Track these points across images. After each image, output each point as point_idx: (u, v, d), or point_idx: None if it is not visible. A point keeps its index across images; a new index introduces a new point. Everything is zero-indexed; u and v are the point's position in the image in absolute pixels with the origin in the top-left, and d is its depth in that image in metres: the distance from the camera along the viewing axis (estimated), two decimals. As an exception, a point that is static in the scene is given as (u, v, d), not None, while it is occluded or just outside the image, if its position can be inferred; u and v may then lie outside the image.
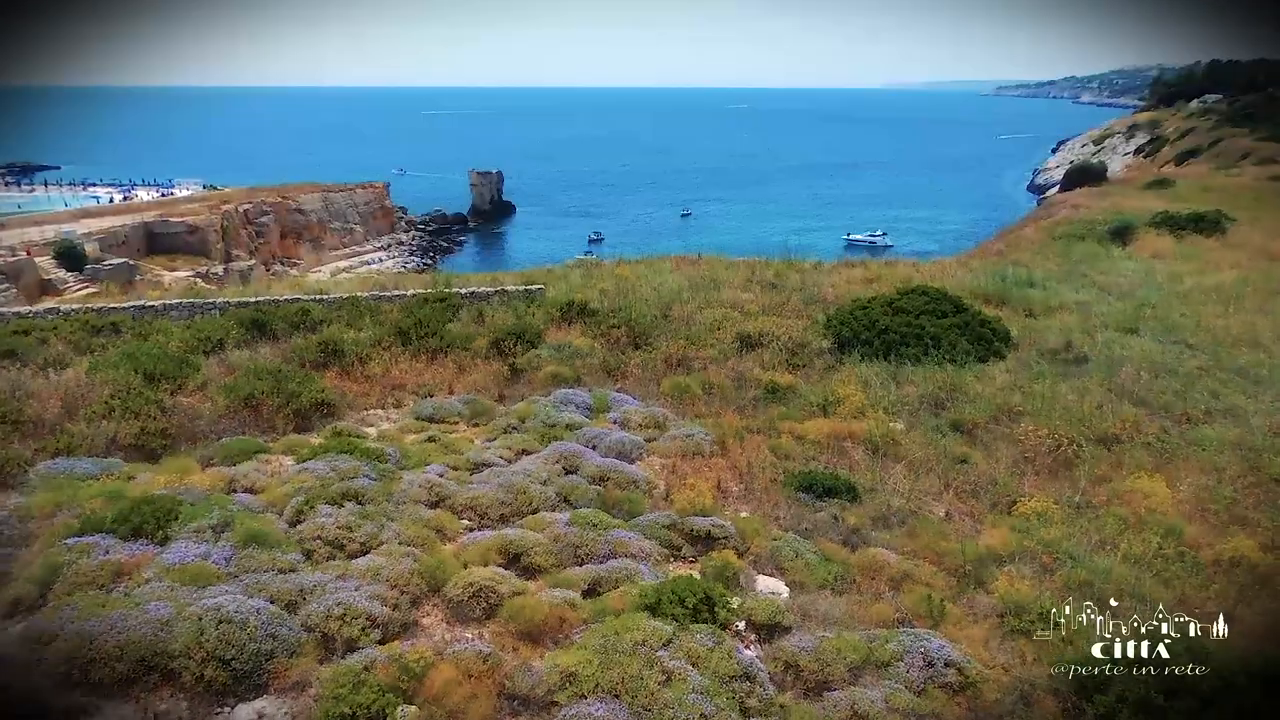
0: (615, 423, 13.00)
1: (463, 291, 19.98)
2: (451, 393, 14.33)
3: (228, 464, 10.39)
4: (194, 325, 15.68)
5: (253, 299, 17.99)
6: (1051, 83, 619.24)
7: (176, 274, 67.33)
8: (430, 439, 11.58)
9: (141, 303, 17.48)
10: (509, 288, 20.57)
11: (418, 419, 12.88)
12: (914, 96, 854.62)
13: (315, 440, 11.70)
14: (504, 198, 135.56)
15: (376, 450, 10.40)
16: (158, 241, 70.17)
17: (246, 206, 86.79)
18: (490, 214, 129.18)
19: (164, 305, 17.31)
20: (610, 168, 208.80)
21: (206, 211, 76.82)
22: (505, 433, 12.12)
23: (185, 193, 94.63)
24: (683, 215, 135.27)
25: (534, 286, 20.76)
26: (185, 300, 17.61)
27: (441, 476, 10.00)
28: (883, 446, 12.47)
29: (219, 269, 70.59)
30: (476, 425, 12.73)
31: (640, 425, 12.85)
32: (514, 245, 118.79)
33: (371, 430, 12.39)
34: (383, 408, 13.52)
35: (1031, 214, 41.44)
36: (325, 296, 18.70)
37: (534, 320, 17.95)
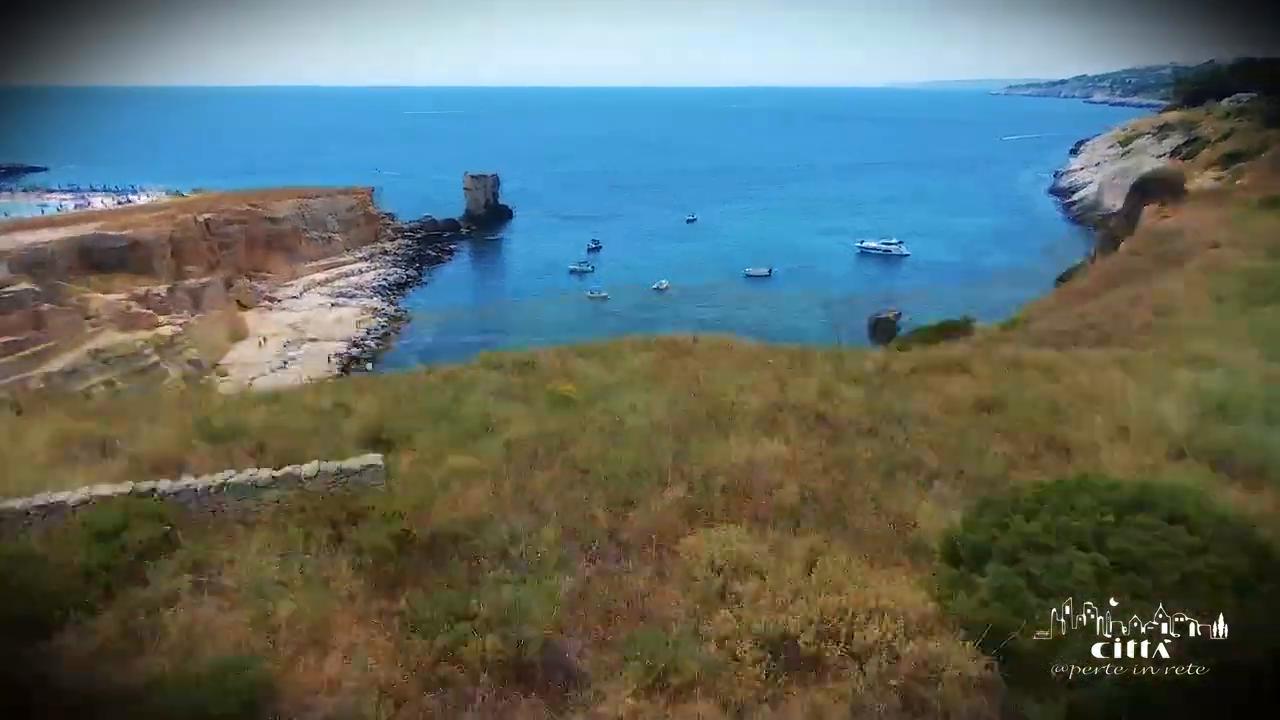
0: None
1: (202, 488, 9.49)
2: None
3: None
4: None
5: None
6: (1063, 82, 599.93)
7: (110, 297, 57.48)
8: None
9: None
10: (310, 472, 9.95)
11: None
12: (921, 95, 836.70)
13: None
14: (500, 201, 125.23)
15: None
16: (94, 258, 60.08)
17: (209, 215, 76.79)
18: (485, 219, 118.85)
19: None
20: (613, 169, 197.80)
21: (156, 223, 66.94)
22: None
23: (148, 199, 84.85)
24: (688, 221, 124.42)
25: (368, 462, 10.20)
26: None
27: None
28: None
29: (162, 289, 60.57)
30: None
31: None
32: (510, 253, 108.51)
33: None
34: None
35: (1143, 244, 30.02)
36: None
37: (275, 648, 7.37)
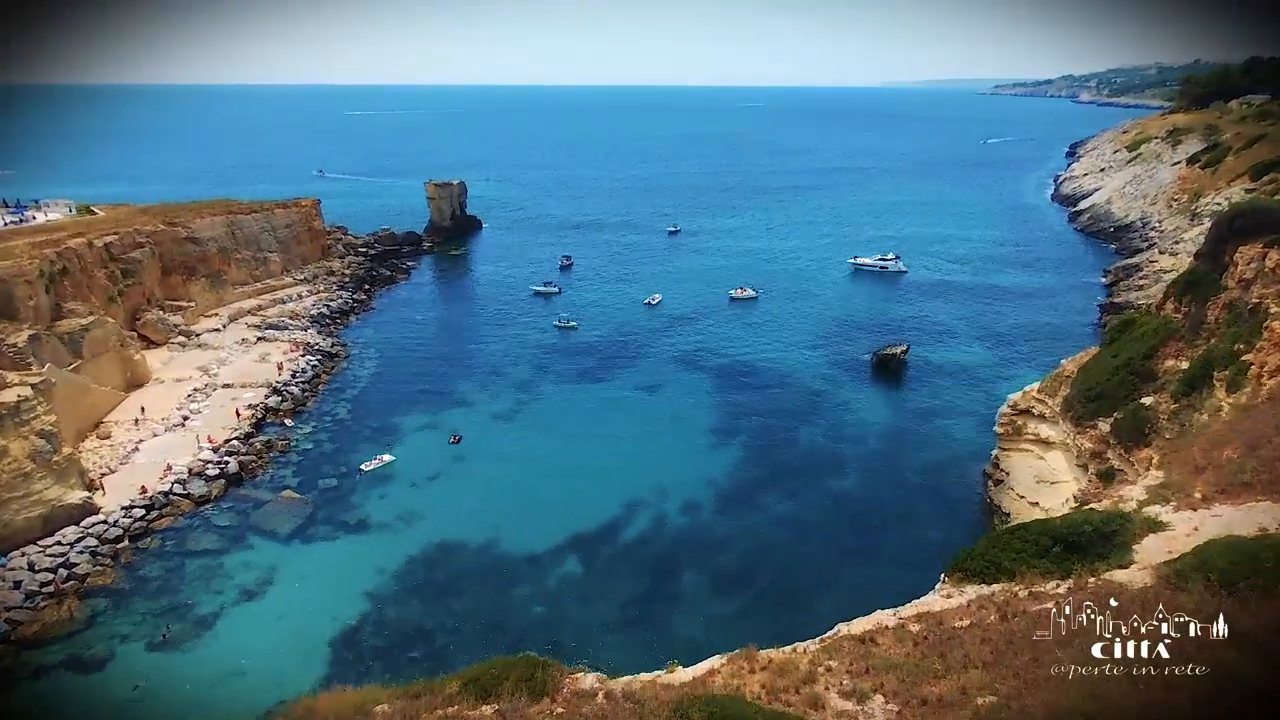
0: None
1: None
2: None
3: None
4: None
5: None
6: (1049, 81, 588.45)
7: (-53, 350, 45.26)
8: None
9: None
10: None
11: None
12: (911, 95, 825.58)
13: None
14: (468, 211, 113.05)
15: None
16: (-66, 300, 48.01)
17: (110, 239, 64.29)
18: (451, 231, 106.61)
19: None
20: (593, 174, 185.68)
21: (30, 251, 54.71)
22: None
23: (50, 216, 72.27)
24: (670, 232, 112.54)
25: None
26: None
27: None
28: None
29: (23, 337, 48.36)
30: None
31: None
32: (474, 271, 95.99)
33: None
34: None
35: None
36: None
37: None
